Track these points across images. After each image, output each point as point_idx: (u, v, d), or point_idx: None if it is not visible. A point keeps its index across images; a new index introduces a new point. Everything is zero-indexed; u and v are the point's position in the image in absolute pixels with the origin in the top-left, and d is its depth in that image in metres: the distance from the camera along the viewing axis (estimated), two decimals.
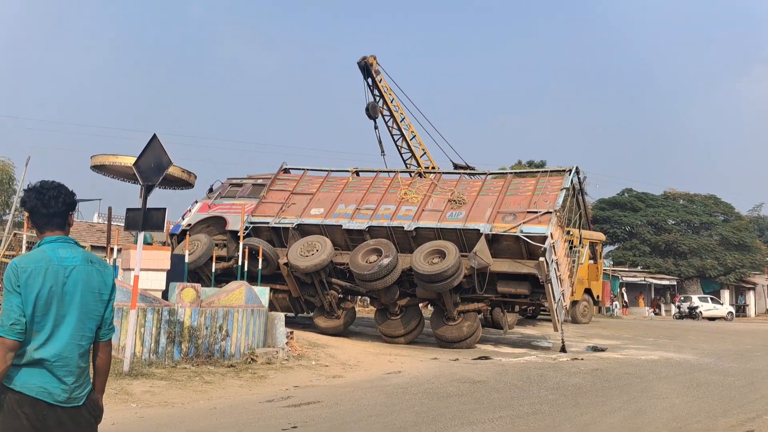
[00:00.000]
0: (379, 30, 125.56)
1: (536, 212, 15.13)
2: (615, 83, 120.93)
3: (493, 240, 15.21)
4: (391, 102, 27.87)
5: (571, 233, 18.61)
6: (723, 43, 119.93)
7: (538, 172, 17.20)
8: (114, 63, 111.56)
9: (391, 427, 7.28)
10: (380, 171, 18.68)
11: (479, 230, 15.17)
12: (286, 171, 19.06)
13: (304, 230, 16.70)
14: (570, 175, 16.21)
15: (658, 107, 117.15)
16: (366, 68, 27.55)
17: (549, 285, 14.73)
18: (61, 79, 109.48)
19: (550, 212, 15.04)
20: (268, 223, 16.99)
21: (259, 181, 18.94)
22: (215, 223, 17.67)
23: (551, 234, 14.66)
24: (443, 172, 18.70)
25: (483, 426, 7.48)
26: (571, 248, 17.80)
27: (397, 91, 27.97)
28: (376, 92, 27.83)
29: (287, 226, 16.66)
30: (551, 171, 16.99)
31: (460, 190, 16.62)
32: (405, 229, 15.74)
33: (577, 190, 17.44)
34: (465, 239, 15.45)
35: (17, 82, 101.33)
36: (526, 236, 14.72)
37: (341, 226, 16.30)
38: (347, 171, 18.36)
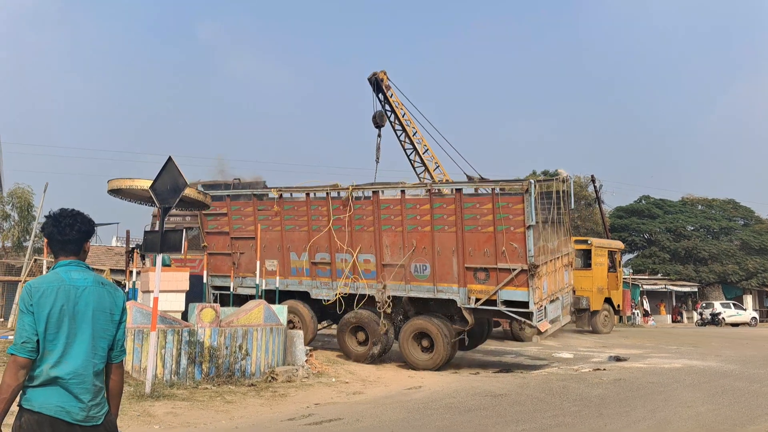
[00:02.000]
0: (385, 40, 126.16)
1: (509, 269, 13.14)
2: (628, 89, 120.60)
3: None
4: (403, 116, 27.93)
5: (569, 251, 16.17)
6: (737, 43, 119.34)
7: (491, 186, 13.91)
8: (123, 85, 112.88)
9: None
10: (309, 191, 15.42)
11: (456, 302, 13.78)
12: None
13: (271, 294, 14.91)
14: (530, 197, 12.94)
15: (672, 112, 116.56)
16: (377, 84, 27.66)
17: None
18: (74, 104, 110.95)
19: (525, 270, 13.00)
20: (229, 288, 15.65)
21: (188, 219, 17.68)
22: None
23: (534, 302, 13.12)
24: (380, 187, 15.09)
25: None
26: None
27: (408, 105, 28.04)
28: (387, 107, 27.92)
29: (251, 291, 15.08)
30: (503, 183, 14.00)
31: (408, 220, 14.14)
32: (377, 300, 14.40)
33: (561, 199, 14.80)
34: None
35: (31, 108, 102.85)
36: (509, 309, 13.34)
37: (309, 294, 15.30)
38: (270, 193, 15.88)
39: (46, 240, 3.31)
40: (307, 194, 15.47)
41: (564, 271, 15.03)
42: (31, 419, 3.01)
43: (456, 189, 14.18)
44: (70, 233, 3.26)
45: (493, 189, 13.77)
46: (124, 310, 3.35)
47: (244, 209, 16.10)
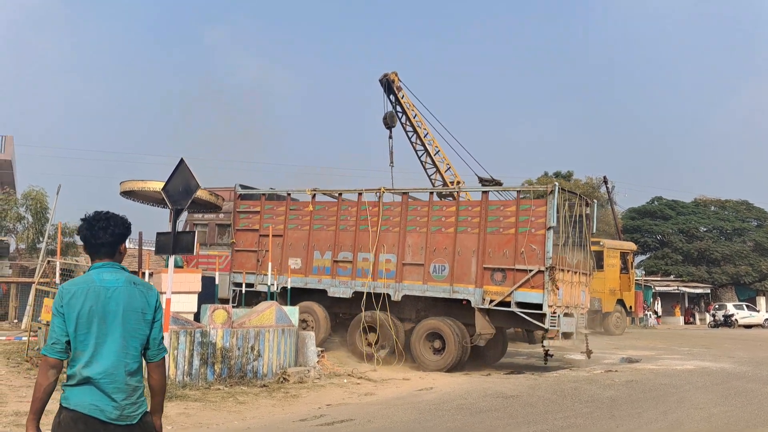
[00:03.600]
0: (396, 41, 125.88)
1: (526, 270, 13.36)
2: (639, 89, 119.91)
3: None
4: (414, 118, 27.92)
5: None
6: (751, 40, 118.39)
7: (518, 190, 14.57)
8: (130, 88, 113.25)
9: None
10: (341, 192, 16.24)
11: (471, 302, 13.87)
12: (242, 198, 17.20)
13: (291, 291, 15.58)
14: (553, 199, 13.41)
15: (685, 112, 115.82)
16: (388, 85, 27.68)
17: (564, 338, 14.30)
18: (86, 106, 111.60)
19: (542, 271, 13.25)
20: (252, 285, 16.15)
21: (221, 216, 18.07)
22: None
23: (549, 305, 13.24)
24: (409, 191, 15.74)
25: None
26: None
27: (419, 106, 28.02)
28: (398, 109, 27.94)
29: (272, 288, 15.57)
30: (533, 190, 14.62)
31: (434, 221, 14.59)
32: (392, 299, 14.69)
33: (575, 212, 14.65)
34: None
35: (44, 112, 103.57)
36: (523, 312, 13.43)
37: (326, 292, 15.57)
38: (304, 191, 16.51)
39: (83, 243, 3.44)
40: (339, 195, 16.16)
41: (581, 290, 15.01)
42: (68, 416, 3.12)
43: (482, 192, 14.84)
44: (103, 236, 3.35)
45: (518, 192, 14.40)
46: (157, 309, 3.38)
47: (277, 208, 16.67)
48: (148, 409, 3.33)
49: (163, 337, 3.41)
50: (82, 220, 3.41)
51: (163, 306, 10.03)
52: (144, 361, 3.31)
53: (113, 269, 3.33)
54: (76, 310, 3.14)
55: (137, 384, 3.24)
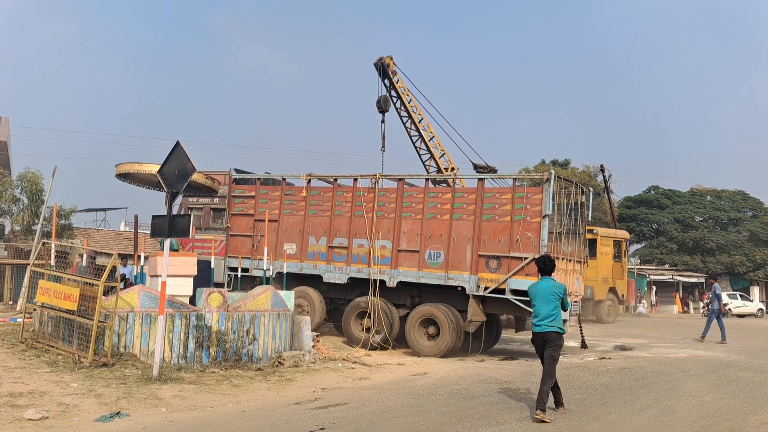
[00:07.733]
0: (395, 28, 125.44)
1: (521, 258, 13.38)
2: (637, 78, 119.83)
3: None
4: (409, 103, 27.86)
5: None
6: (751, 32, 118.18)
7: (514, 178, 14.22)
8: (135, 72, 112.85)
9: (418, 428, 7.30)
10: (336, 177, 16.15)
11: (465, 289, 13.94)
12: (237, 182, 17.27)
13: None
14: (549, 187, 13.40)
15: (683, 102, 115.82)
16: (383, 69, 27.56)
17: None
18: (84, 89, 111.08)
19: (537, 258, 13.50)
20: (248, 270, 16.21)
21: (216, 200, 17.93)
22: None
23: None
24: (405, 177, 15.56)
25: (510, 426, 7.48)
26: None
27: (414, 91, 27.96)
28: (393, 94, 27.84)
29: (268, 273, 15.18)
30: (529, 177, 14.30)
31: (429, 208, 14.59)
32: (387, 285, 14.76)
33: (572, 200, 14.67)
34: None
35: (41, 93, 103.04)
36: (517, 299, 13.37)
37: (322, 277, 15.62)
38: (299, 176, 16.42)
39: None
40: (335, 180, 16.09)
41: (575, 278, 15.02)
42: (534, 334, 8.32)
43: (478, 179, 14.71)
44: (549, 269, 8.37)
45: (514, 180, 14.22)
46: (563, 293, 8.22)
47: (272, 193, 16.70)
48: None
49: (569, 306, 9.18)
50: (539, 258, 8.63)
51: (158, 289, 10.08)
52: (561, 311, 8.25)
53: (548, 278, 8.33)
54: (533, 292, 8.33)
55: (554, 315, 8.13)
